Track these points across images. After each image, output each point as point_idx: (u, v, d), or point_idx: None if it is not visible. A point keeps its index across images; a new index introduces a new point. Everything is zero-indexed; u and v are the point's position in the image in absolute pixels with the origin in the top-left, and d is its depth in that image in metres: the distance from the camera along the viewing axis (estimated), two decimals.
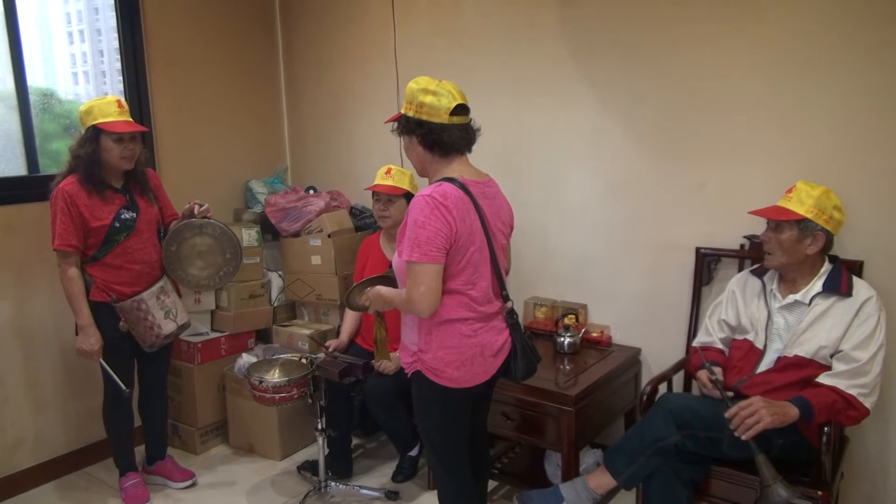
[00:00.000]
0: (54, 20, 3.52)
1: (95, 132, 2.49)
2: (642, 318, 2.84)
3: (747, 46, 2.44)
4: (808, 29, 2.32)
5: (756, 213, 2.14)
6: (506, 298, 1.99)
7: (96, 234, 2.55)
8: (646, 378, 2.80)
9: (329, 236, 3.25)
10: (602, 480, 2.23)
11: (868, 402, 1.98)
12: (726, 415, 1.99)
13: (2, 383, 2.86)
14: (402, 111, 1.92)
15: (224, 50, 3.64)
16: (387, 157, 3.16)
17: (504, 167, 2.71)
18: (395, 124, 1.98)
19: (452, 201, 1.81)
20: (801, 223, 2.05)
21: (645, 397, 2.30)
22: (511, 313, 1.99)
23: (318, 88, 3.79)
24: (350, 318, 3.00)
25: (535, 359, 2.04)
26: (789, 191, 2.11)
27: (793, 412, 1.95)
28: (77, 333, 2.66)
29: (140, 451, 3.00)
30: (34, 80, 3.00)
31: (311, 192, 3.57)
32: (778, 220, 2.08)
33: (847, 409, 1.97)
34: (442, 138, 1.87)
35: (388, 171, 2.83)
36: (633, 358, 2.81)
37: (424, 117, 1.86)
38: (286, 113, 3.98)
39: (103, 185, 2.55)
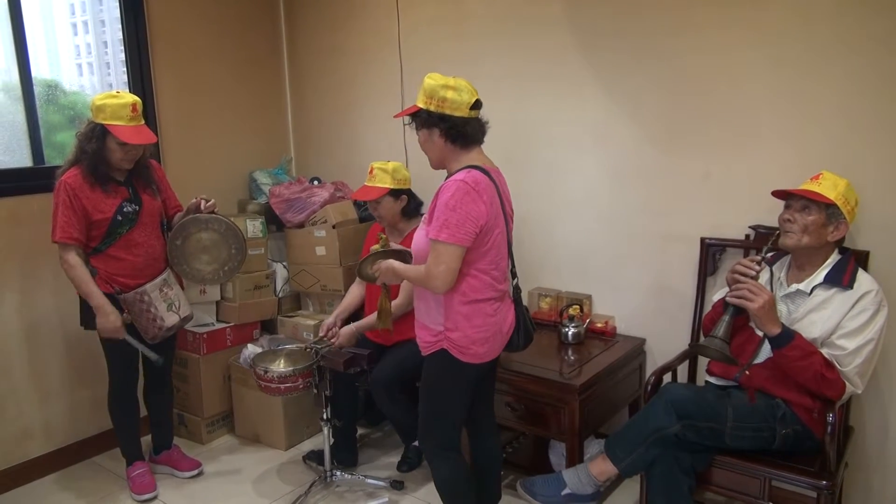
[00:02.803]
0: (58, 11, 3.52)
1: (103, 131, 2.48)
2: (647, 308, 2.84)
3: (753, 34, 2.42)
4: (815, 16, 2.30)
5: (792, 191, 2.10)
6: (514, 275, 2.13)
7: (99, 227, 2.55)
8: (650, 368, 2.81)
9: (333, 227, 3.25)
10: (603, 467, 2.28)
11: (847, 387, 1.99)
12: (739, 269, 2.04)
13: (8, 374, 2.88)
14: (422, 106, 1.98)
15: (228, 40, 3.63)
16: (391, 147, 3.16)
17: (508, 158, 2.71)
18: (408, 118, 2.05)
19: (483, 187, 1.92)
20: (830, 209, 2.04)
21: (649, 387, 2.30)
22: (516, 289, 2.14)
23: (323, 78, 3.79)
24: (347, 298, 3.01)
25: (532, 328, 2.19)
26: (816, 177, 2.09)
27: (774, 327, 1.99)
28: (82, 324, 2.68)
29: (146, 441, 3.02)
30: (39, 71, 3.00)
31: (316, 182, 3.57)
32: (811, 199, 2.04)
33: (826, 369, 1.97)
34: (466, 131, 1.99)
35: (371, 171, 2.82)
36: (637, 348, 2.81)
37: (447, 111, 1.96)
38: (290, 103, 3.98)
39: (106, 179, 2.55)
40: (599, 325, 2.89)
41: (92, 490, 2.90)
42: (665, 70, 2.63)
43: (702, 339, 2.05)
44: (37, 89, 2.98)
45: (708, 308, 2.44)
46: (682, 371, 2.59)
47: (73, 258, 2.51)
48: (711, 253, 2.61)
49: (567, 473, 2.39)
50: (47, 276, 2.94)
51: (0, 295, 2.84)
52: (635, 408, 2.83)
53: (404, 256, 2.18)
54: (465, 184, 1.90)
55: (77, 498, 2.85)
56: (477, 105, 1.99)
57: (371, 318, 2.92)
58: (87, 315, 2.67)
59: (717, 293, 2.42)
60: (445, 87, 1.95)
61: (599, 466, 2.29)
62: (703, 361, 2.56)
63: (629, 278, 2.86)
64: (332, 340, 2.78)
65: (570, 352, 2.75)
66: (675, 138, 2.66)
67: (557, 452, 2.73)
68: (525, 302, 2.27)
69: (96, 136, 2.48)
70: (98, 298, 2.53)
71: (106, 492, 2.88)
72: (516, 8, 2.97)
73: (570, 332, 2.81)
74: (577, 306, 2.88)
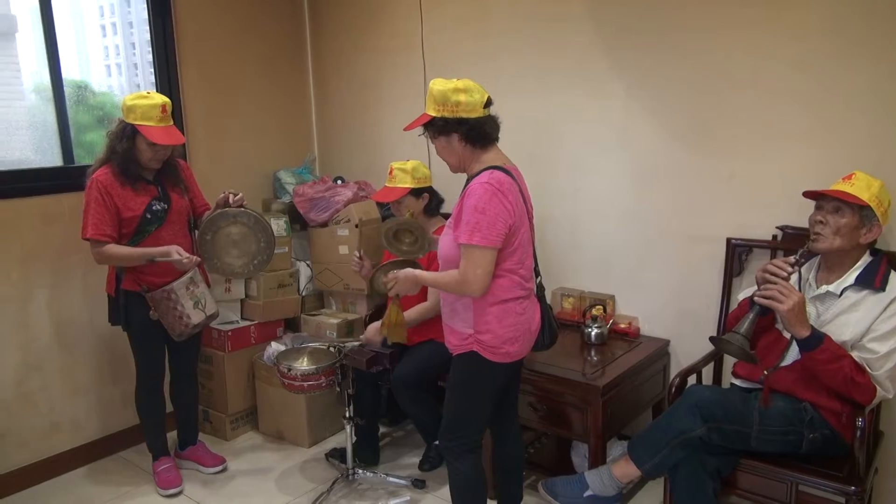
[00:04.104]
0: (88, 13, 3.59)
1: (133, 131, 2.52)
2: (671, 309, 2.81)
3: (781, 31, 2.39)
4: (844, 13, 2.26)
5: (824, 192, 2.06)
6: (537, 274, 2.13)
7: (128, 225, 2.60)
8: (674, 370, 2.78)
9: (356, 226, 3.27)
10: (626, 470, 2.26)
11: (878, 391, 1.95)
12: (771, 269, 2.01)
13: (39, 369, 2.94)
14: (436, 114, 1.98)
15: (253, 41, 3.67)
16: (414, 147, 3.16)
17: (530, 157, 2.70)
18: (422, 129, 2.06)
19: (507, 187, 1.92)
20: (863, 210, 2.00)
21: (673, 389, 2.28)
22: (540, 287, 2.15)
23: (346, 79, 3.81)
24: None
25: (557, 327, 2.20)
26: (848, 177, 2.05)
27: (804, 330, 1.95)
28: (111, 321, 2.73)
29: (172, 437, 3.06)
30: (68, 72, 3.06)
31: (339, 182, 3.59)
32: (844, 200, 2.00)
33: (856, 373, 1.93)
34: (485, 130, 1.99)
35: (390, 172, 2.83)
36: (661, 350, 2.78)
37: (463, 115, 1.96)
38: (314, 103, 4.01)
39: (136, 178, 2.59)
40: (623, 325, 2.87)
41: (119, 483, 2.95)
42: (691, 68, 2.60)
43: (729, 335, 2.02)
44: (67, 90, 3.04)
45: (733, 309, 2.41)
46: (708, 373, 2.56)
47: (107, 247, 2.55)
48: (738, 254, 2.58)
49: (589, 475, 2.37)
50: (77, 274, 3.00)
51: (32, 292, 2.90)
52: (659, 410, 2.81)
53: (414, 265, 2.18)
54: (491, 185, 1.90)
55: (105, 491, 2.90)
56: (489, 102, 2.00)
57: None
58: (116, 312, 2.73)
59: (743, 292, 2.39)
60: (456, 90, 1.95)
61: (622, 468, 2.27)
62: (728, 363, 2.53)
63: (653, 279, 2.84)
64: (360, 266, 2.80)
65: (592, 352, 2.74)
66: (701, 137, 2.63)
67: (580, 453, 2.72)
68: (548, 301, 2.26)
69: (126, 136, 2.53)
70: (151, 250, 2.55)
71: (133, 486, 2.93)
72: (539, 5, 2.96)
73: (593, 333, 2.79)
74: (601, 307, 2.86)
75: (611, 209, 2.91)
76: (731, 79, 2.52)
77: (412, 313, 2.72)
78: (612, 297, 2.95)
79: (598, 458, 2.43)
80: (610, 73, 2.81)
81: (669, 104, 2.68)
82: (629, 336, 2.84)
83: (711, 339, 2.15)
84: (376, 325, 2.79)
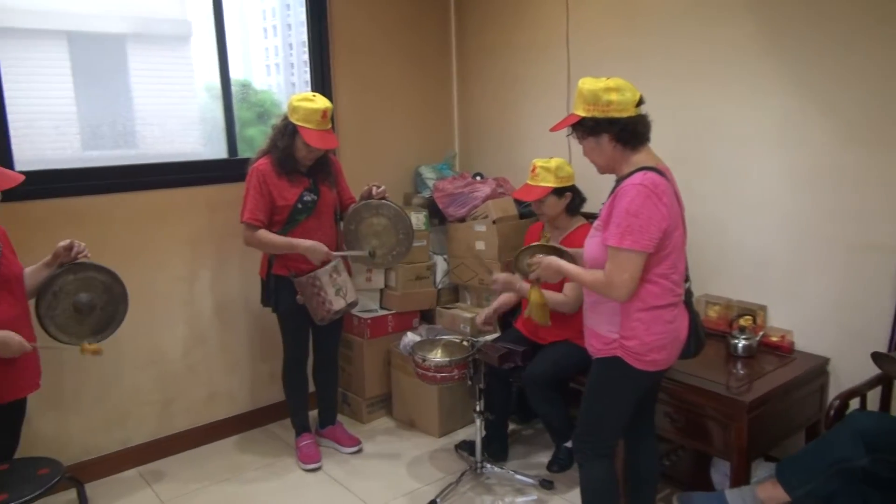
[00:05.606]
0: (252, 17, 3.86)
1: (294, 129, 2.69)
2: (832, 324, 2.57)
3: None
4: None
5: None
6: (686, 278, 2.05)
7: (281, 213, 2.78)
8: (833, 391, 2.54)
9: (494, 222, 3.28)
10: (773, 493, 2.10)
11: None
12: None
13: (203, 343, 3.23)
14: (586, 114, 1.93)
15: (400, 40, 3.79)
16: (554, 144, 3.12)
17: (679, 157, 2.56)
18: (568, 129, 2.01)
19: (662, 189, 1.86)
20: None
21: (832, 412, 2.09)
22: (688, 292, 2.05)
23: (488, 76, 3.83)
24: (503, 297, 3.02)
25: (704, 335, 2.11)
26: None
27: None
28: (262, 302, 2.93)
29: (314, 416, 3.25)
30: (234, 72, 3.31)
31: (478, 178, 3.63)
32: None
33: None
34: (637, 130, 1.93)
35: (533, 170, 2.79)
36: (818, 368, 2.56)
37: (614, 114, 1.90)
38: (456, 100, 4.07)
39: (292, 170, 2.77)
40: (775, 338, 2.67)
41: (265, 454, 3.18)
42: (872, 61, 2.35)
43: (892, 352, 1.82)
44: (233, 89, 3.29)
45: None
46: (873, 397, 2.32)
47: (259, 232, 2.75)
48: None
49: (731, 494, 2.23)
50: (236, 258, 3.26)
51: (198, 272, 3.19)
52: (813, 433, 2.58)
53: (564, 255, 2.15)
54: (645, 187, 1.83)
55: (253, 460, 3.14)
56: (641, 101, 1.93)
57: (505, 298, 2.95)
58: (267, 295, 2.93)
59: None
60: (607, 89, 1.89)
61: (768, 491, 2.11)
62: None
63: (812, 290, 2.61)
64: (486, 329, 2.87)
65: (739, 365, 2.57)
66: (880, 137, 2.37)
67: (720, 471, 2.56)
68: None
69: (288, 133, 2.71)
70: (298, 242, 2.73)
71: (277, 457, 3.14)
72: None
73: (740, 344, 2.62)
74: (750, 317, 2.67)
75: (765, 213, 2.71)
76: None
77: (548, 297, 2.69)
78: (764, 308, 2.75)
79: (740, 478, 2.28)
80: (770, 67, 2.61)
81: (844, 101, 2.44)
82: (782, 350, 2.64)
83: (875, 356, 1.95)
84: (488, 309, 2.89)
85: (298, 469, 3.02)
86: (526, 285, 2.49)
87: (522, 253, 2.20)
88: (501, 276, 2.73)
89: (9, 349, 1.98)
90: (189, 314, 3.18)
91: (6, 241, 2.20)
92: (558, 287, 2.72)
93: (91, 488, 2.82)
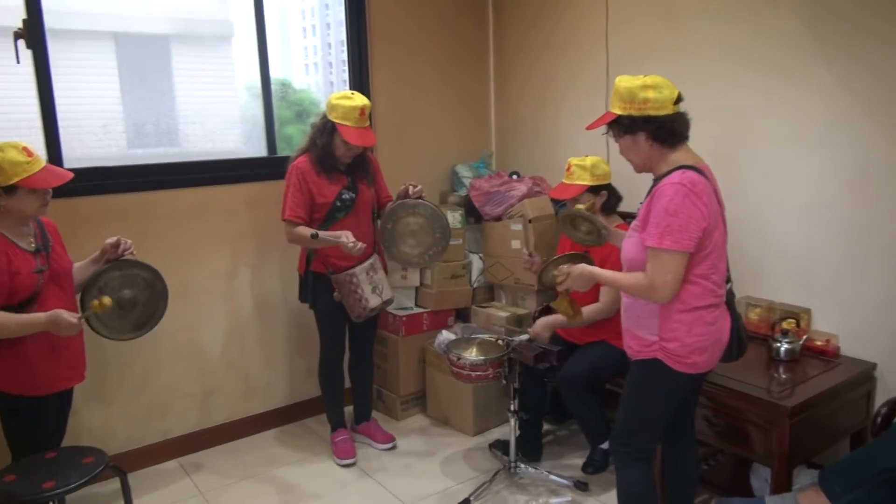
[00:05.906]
0: (292, 17, 3.91)
1: (333, 127, 2.72)
2: (880, 329, 2.49)
3: None
4: None
5: None
6: (728, 279, 2.01)
7: (320, 210, 2.81)
8: (881, 398, 2.46)
9: (530, 221, 3.27)
10: (816, 501, 2.04)
11: None
12: None
13: (241, 338, 3.29)
14: (622, 112, 1.90)
15: (437, 39, 3.79)
16: (591, 143, 3.09)
17: (720, 156, 2.52)
18: (604, 127, 1.99)
19: (701, 187, 1.83)
20: None
21: (879, 419, 2.03)
22: (730, 293, 2.02)
23: (526, 75, 3.81)
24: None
25: (746, 337, 2.07)
26: None
27: None
28: (300, 298, 2.97)
29: (349, 412, 3.28)
30: (274, 71, 3.35)
31: (515, 177, 3.62)
32: None
33: None
34: (675, 128, 1.90)
35: (568, 168, 2.77)
36: (865, 373, 2.48)
37: (651, 112, 1.87)
38: (493, 99, 4.06)
39: (331, 168, 2.80)
40: (819, 342, 2.60)
41: (301, 449, 3.22)
42: None
43: None
44: (273, 88, 3.33)
45: None
46: None
47: (299, 228, 2.77)
48: None
49: (772, 500, 2.18)
50: (275, 255, 3.30)
51: (238, 269, 3.24)
52: (858, 440, 2.51)
53: (587, 261, 2.11)
54: (683, 186, 1.81)
55: (289, 454, 3.18)
56: (679, 99, 1.90)
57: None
58: (305, 291, 2.97)
59: None
60: (644, 87, 1.86)
61: (811, 499, 2.06)
62: None
63: (859, 293, 2.53)
64: (530, 263, 2.80)
65: (781, 369, 2.51)
66: None
67: (761, 477, 2.51)
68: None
69: (327, 131, 2.74)
70: (336, 234, 2.70)
71: (313, 452, 3.18)
72: None
73: (782, 348, 2.56)
74: (793, 320, 2.61)
75: (809, 213, 2.64)
76: None
77: (585, 313, 2.66)
78: (808, 311, 2.68)
79: (781, 485, 2.23)
80: (815, 61, 2.54)
81: (887, 98, 2.36)
82: (826, 355, 2.57)
83: None
84: (545, 319, 2.77)
85: (333, 464, 3.06)
86: (560, 317, 2.41)
87: (549, 266, 2.16)
88: (538, 328, 2.75)
89: (58, 327, 2.04)
90: (228, 309, 3.24)
91: (57, 237, 2.27)
92: (594, 294, 2.70)
93: (132, 478, 2.88)
